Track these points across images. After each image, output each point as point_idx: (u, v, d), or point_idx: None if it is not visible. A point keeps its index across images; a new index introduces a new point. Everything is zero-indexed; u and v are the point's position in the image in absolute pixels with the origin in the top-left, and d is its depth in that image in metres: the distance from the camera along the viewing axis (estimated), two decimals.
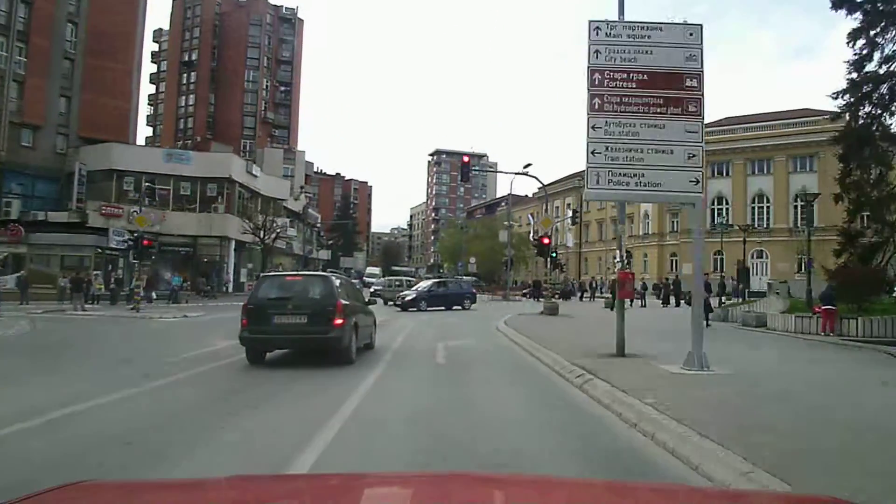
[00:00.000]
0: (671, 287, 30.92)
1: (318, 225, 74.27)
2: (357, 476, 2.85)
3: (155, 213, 38.89)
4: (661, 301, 31.01)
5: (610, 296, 27.79)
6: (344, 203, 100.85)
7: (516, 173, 20.57)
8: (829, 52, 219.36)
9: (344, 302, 10.22)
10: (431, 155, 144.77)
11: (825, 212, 50.44)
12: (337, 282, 10.93)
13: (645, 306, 29.35)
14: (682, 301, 31.27)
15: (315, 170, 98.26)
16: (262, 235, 37.50)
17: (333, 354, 10.02)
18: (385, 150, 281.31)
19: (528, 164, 37.09)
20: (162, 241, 39.86)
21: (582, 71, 9.59)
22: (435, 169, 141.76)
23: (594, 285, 44.60)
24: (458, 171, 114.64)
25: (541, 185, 21.61)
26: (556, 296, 26.24)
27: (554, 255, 28.97)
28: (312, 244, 70.72)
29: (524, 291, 46.06)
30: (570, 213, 59.00)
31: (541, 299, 41.98)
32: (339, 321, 9.81)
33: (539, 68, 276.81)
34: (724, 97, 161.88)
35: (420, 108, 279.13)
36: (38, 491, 1.54)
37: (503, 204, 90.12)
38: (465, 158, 21.09)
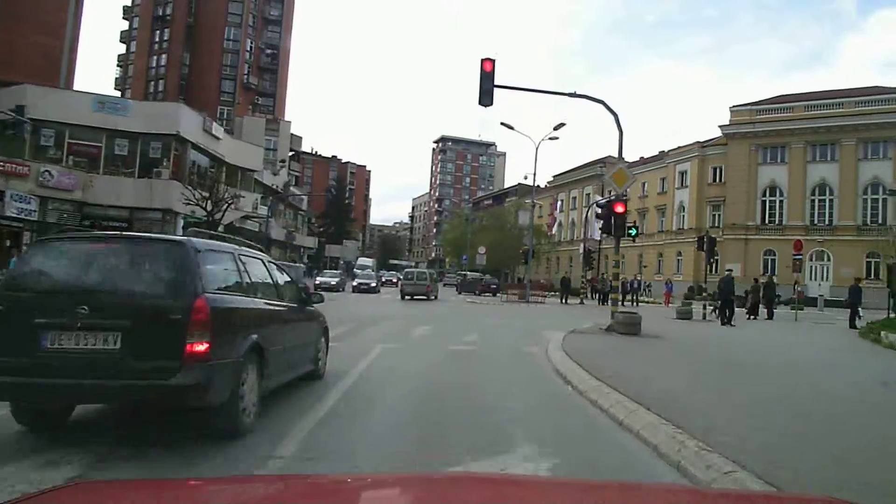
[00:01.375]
0: (761, 291, 21.97)
1: (305, 208, 65.58)
2: (357, 477, 2.78)
3: (77, 174, 30.47)
4: (745, 311, 22.08)
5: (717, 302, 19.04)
6: (339, 187, 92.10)
7: (570, 94, 12.38)
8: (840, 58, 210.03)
9: (220, 304, 4.33)
10: (436, 142, 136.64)
11: None
12: (204, 256, 4.49)
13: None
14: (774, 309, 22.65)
15: (309, 149, 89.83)
16: (209, 208, 28.74)
17: (198, 419, 4.31)
18: (389, 141, 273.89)
19: (561, 125, 28.89)
20: (87, 212, 31.53)
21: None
22: (440, 157, 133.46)
23: (637, 285, 35.82)
24: (463, 156, 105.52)
25: (615, 119, 13.02)
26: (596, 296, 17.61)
27: (634, 231, 20.61)
28: (297, 229, 62.28)
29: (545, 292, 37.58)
30: (594, 202, 50.79)
31: (567, 301, 33.67)
32: (199, 346, 3.98)
33: (542, 64, 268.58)
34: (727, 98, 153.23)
35: (425, 101, 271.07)
36: (38, 491, 1.51)
37: (513, 193, 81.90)
38: (488, 66, 12.63)
